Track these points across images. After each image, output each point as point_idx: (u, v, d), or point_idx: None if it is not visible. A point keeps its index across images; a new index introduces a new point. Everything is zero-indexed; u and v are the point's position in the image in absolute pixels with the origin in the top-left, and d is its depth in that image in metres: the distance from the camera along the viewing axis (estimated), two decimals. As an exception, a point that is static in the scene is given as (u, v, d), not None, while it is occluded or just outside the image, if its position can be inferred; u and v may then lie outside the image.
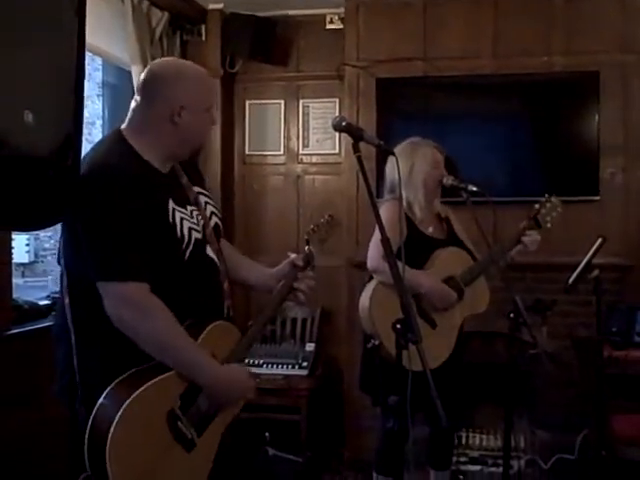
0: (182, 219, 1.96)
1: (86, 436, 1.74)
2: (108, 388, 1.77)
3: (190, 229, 1.97)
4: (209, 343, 1.96)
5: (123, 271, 1.82)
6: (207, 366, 1.92)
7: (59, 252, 2.00)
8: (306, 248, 2.27)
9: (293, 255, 2.24)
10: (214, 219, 2.14)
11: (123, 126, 2.03)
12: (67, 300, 1.92)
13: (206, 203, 2.14)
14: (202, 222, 2.05)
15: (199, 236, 2.00)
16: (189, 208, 2.02)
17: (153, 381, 1.80)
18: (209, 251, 2.05)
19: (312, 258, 2.25)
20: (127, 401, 1.73)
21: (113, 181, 1.85)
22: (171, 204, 1.95)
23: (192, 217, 2.01)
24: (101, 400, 1.76)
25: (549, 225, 3.04)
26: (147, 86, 2.00)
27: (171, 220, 1.93)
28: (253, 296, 4.36)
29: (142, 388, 1.77)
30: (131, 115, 2.02)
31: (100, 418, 1.73)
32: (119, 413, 1.71)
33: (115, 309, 1.82)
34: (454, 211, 3.22)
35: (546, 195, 3.07)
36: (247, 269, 2.32)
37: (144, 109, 1.99)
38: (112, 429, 1.69)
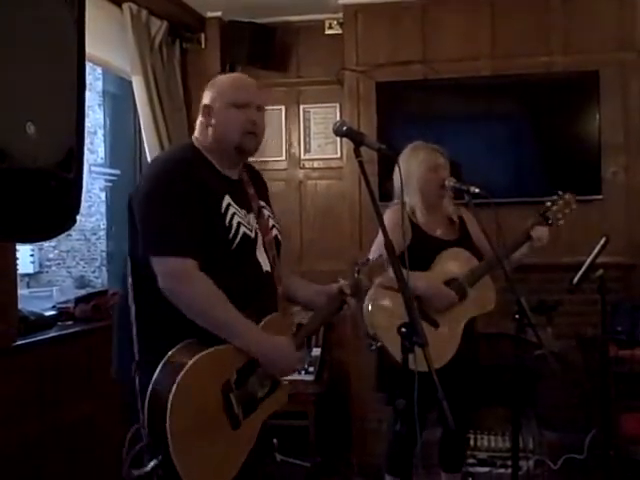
0: (234, 214, 2.07)
1: (147, 396, 1.84)
2: (169, 352, 1.89)
3: (239, 223, 2.07)
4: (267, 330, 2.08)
5: (171, 247, 1.97)
6: (252, 330, 2.02)
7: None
8: (355, 275, 2.29)
9: (343, 281, 2.28)
10: (274, 231, 2.26)
11: None
12: (130, 281, 2.03)
13: (269, 217, 2.27)
14: (257, 227, 2.16)
15: (249, 233, 2.10)
16: (243, 211, 2.12)
17: (212, 349, 1.92)
18: (258, 255, 2.15)
19: (360, 288, 2.28)
20: (188, 364, 1.85)
21: (171, 167, 2.06)
22: (227, 199, 2.07)
23: (246, 218, 2.12)
24: (161, 364, 1.87)
25: (561, 222, 2.99)
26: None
27: (223, 210, 2.05)
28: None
29: (202, 354, 1.89)
30: None
31: (161, 381, 1.85)
32: (180, 374, 1.83)
33: (163, 282, 1.96)
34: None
35: (559, 192, 3.02)
36: (302, 288, 2.38)
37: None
38: (173, 390, 1.80)
